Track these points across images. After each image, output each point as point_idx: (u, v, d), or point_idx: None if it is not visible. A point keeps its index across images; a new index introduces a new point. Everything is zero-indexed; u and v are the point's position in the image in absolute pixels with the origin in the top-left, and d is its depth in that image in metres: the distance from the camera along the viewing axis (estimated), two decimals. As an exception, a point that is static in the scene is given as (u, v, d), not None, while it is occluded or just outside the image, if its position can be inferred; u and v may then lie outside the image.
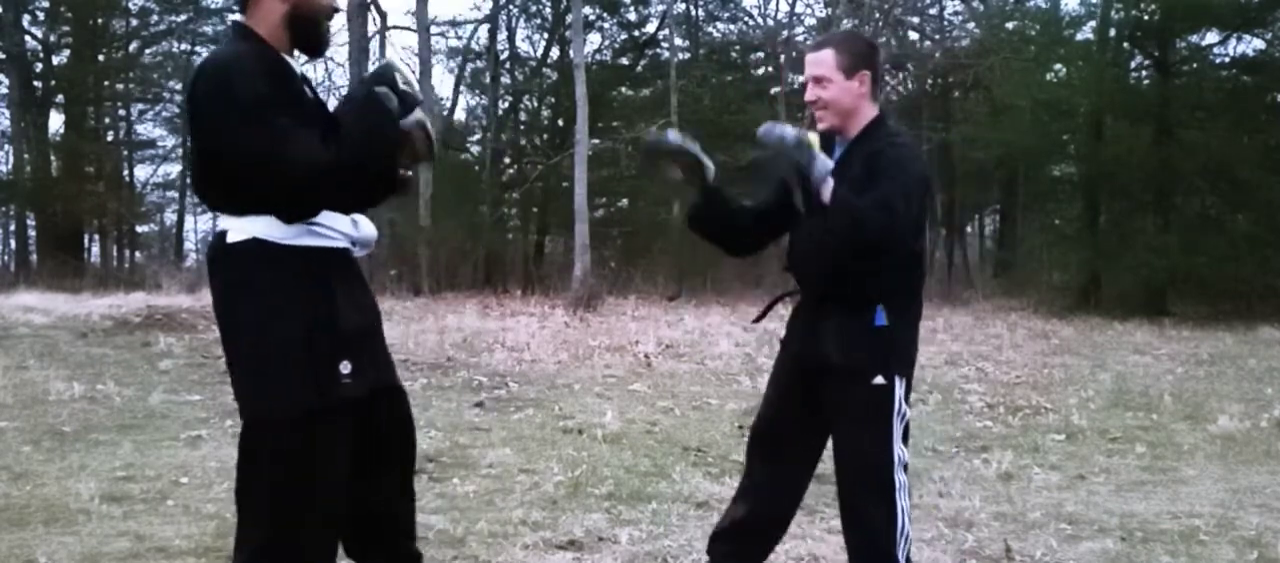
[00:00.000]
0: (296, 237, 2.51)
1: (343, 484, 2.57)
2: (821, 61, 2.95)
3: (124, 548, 3.80)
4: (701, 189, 3.04)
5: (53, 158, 23.23)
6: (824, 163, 2.81)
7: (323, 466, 2.52)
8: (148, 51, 25.59)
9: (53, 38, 23.85)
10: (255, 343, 2.52)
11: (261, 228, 2.50)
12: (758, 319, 3.56)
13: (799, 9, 24.88)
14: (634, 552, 3.84)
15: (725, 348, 9.81)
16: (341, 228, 2.59)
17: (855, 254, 2.83)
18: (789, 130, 2.84)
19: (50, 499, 4.44)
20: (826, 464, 3.07)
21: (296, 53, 2.65)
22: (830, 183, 2.79)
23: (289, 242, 2.51)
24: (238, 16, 2.64)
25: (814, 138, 2.87)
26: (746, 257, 3.62)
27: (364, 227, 2.67)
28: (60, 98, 23.69)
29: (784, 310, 3.28)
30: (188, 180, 26.90)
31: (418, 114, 2.61)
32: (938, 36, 23.53)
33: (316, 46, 2.68)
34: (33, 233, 22.76)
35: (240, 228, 2.52)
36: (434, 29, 21.11)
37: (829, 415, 2.99)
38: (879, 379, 2.87)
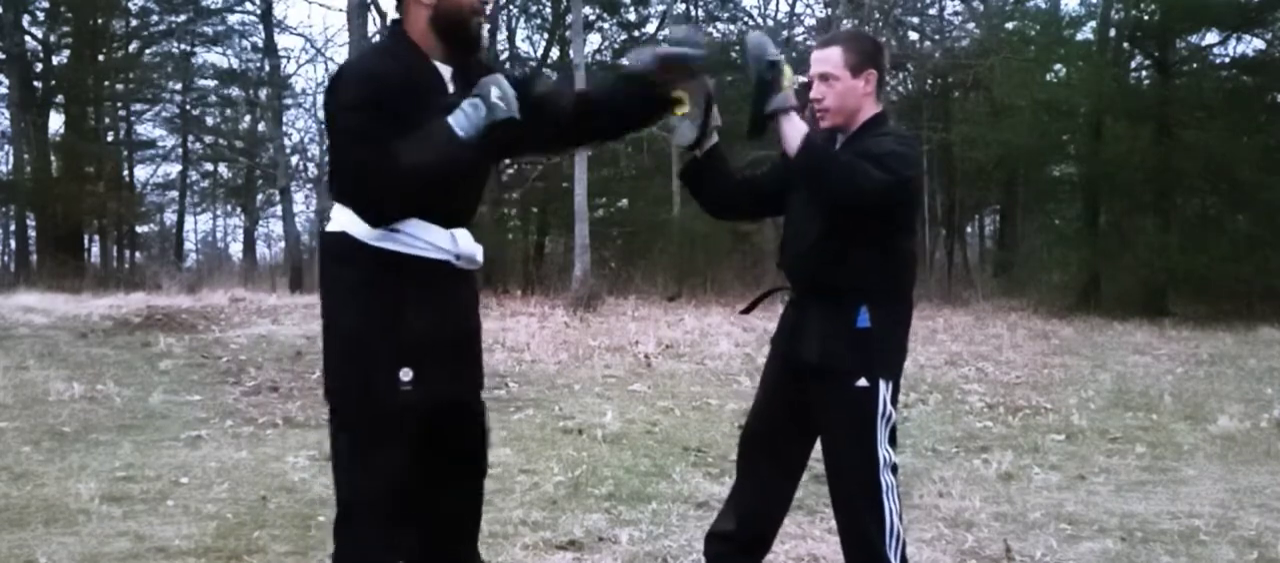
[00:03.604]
0: (376, 238, 2.57)
1: (399, 485, 2.60)
2: (828, 59, 2.94)
3: (124, 548, 3.81)
4: (701, 141, 2.98)
5: (53, 158, 23.21)
6: (786, 97, 2.83)
7: (377, 463, 2.58)
8: (148, 51, 25.59)
9: (53, 38, 23.84)
10: (329, 332, 2.63)
11: (348, 222, 2.58)
12: (746, 310, 3.57)
13: (799, 9, 24.84)
14: (634, 552, 3.85)
15: (725, 348, 9.80)
16: (430, 238, 2.60)
17: (834, 197, 2.83)
18: (770, 47, 2.86)
19: (50, 499, 4.45)
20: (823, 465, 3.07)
21: (455, 56, 2.66)
22: (796, 121, 2.81)
23: (368, 241, 2.57)
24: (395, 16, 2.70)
25: (789, 71, 2.87)
26: (724, 220, 3.64)
27: (462, 242, 2.65)
28: (60, 98, 23.67)
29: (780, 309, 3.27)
30: (188, 181, 27.07)
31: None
32: (938, 36, 23.52)
33: (466, 45, 2.67)
34: (33, 233, 22.75)
35: (336, 219, 2.61)
36: (434, 29, 21.06)
37: (814, 417, 2.99)
38: (862, 382, 2.86)
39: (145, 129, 26.29)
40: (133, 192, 25.04)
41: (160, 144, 26.46)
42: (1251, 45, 17.79)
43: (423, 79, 2.62)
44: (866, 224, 2.85)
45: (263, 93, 24.33)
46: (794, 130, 2.81)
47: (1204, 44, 17.99)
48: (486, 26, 2.64)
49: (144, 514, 4.27)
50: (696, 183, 3.16)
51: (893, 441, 2.93)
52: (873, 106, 2.98)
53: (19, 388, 6.95)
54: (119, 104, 25.01)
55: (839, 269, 2.88)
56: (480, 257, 2.69)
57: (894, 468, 2.92)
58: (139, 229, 26.15)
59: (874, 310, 2.88)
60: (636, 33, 23.39)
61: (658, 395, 7.61)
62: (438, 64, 2.65)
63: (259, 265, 24.83)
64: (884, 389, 2.88)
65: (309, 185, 24.48)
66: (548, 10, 23.13)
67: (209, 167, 28.38)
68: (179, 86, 25.54)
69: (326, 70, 22.69)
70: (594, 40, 22.56)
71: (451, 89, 2.64)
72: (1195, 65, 17.98)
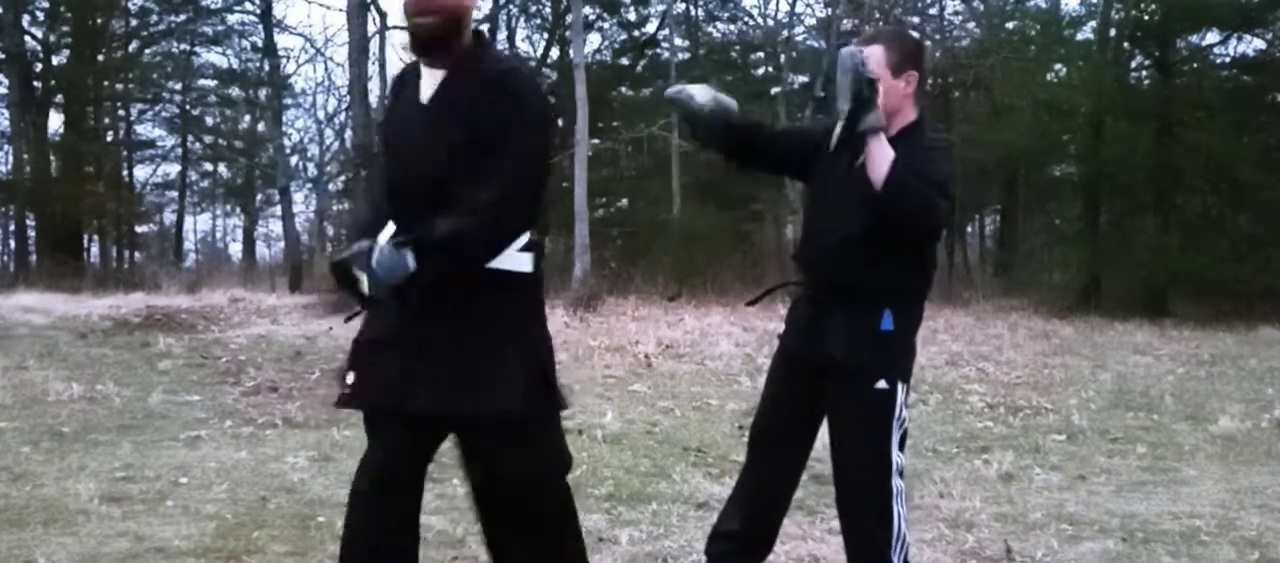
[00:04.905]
0: None
1: (371, 480, 2.58)
2: (870, 58, 2.87)
3: (123, 549, 3.80)
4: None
5: (52, 158, 23.17)
6: (879, 117, 2.75)
7: (364, 455, 2.64)
8: (147, 51, 25.56)
9: (52, 38, 23.81)
10: None
11: None
12: (753, 303, 3.54)
13: (799, 9, 24.86)
14: (634, 552, 3.84)
15: (725, 348, 9.79)
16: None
17: (898, 222, 2.77)
18: (869, 64, 2.79)
19: (50, 500, 4.44)
20: (826, 466, 3.06)
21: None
22: (885, 143, 2.74)
23: None
24: None
25: (880, 89, 2.80)
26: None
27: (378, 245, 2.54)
28: (60, 98, 23.64)
29: (782, 310, 3.26)
30: (187, 181, 27.07)
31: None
32: (938, 36, 23.51)
33: (414, 46, 2.60)
34: (32, 233, 22.73)
35: None
36: (434, 29, 21.00)
37: (828, 416, 2.98)
38: (882, 384, 2.85)
39: (145, 129, 26.34)
40: (132, 191, 25.04)
41: (160, 144, 26.50)
42: (1251, 45, 17.82)
43: (408, 82, 2.67)
44: (910, 235, 2.84)
45: (262, 93, 24.34)
46: (883, 154, 2.73)
47: (1204, 44, 17.99)
48: (430, 23, 2.50)
49: (143, 515, 4.27)
50: (739, 155, 3.12)
51: (902, 445, 2.92)
52: (912, 109, 2.95)
53: (18, 388, 6.94)
54: (119, 104, 24.99)
55: (868, 271, 2.85)
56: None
57: (902, 472, 2.91)
58: (138, 229, 26.14)
59: (897, 314, 2.87)
60: (636, 33, 23.41)
61: (658, 396, 7.61)
62: (424, 68, 2.61)
63: (258, 265, 24.83)
64: (901, 393, 2.88)
65: (308, 185, 24.49)
66: (548, 10, 23.14)
67: (208, 166, 28.40)
68: (179, 86, 25.54)
69: (326, 70, 22.71)
70: (594, 40, 22.57)
71: (424, 96, 2.58)
72: (1195, 65, 17.98)
